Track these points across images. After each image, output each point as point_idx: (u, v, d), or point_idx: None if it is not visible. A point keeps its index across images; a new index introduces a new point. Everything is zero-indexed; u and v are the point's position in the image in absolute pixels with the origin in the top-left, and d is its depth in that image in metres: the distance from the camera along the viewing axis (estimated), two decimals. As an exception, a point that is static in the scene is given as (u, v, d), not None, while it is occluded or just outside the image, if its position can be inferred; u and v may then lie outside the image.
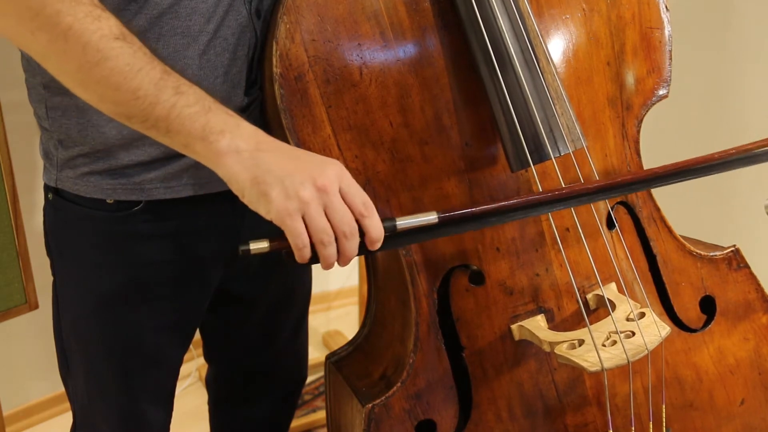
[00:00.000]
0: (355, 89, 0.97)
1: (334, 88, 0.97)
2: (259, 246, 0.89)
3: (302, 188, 0.85)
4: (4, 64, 1.49)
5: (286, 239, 0.87)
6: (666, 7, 1.13)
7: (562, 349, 0.99)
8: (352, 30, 0.97)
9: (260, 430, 1.42)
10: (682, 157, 1.01)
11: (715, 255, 1.17)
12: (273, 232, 0.89)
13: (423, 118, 1.00)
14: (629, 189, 1.03)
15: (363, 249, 0.90)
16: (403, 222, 0.92)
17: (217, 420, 1.46)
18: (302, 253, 0.87)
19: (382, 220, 0.90)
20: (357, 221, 0.88)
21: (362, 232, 0.89)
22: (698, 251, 1.17)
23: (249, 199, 0.87)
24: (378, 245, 0.90)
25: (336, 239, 0.87)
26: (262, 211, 0.87)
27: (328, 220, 0.86)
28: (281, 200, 0.85)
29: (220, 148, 0.86)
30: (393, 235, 0.91)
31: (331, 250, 0.87)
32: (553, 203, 0.97)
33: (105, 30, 0.84)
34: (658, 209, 1.15)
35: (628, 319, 1.02)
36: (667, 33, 1.13)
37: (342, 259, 0.89)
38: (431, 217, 0.92)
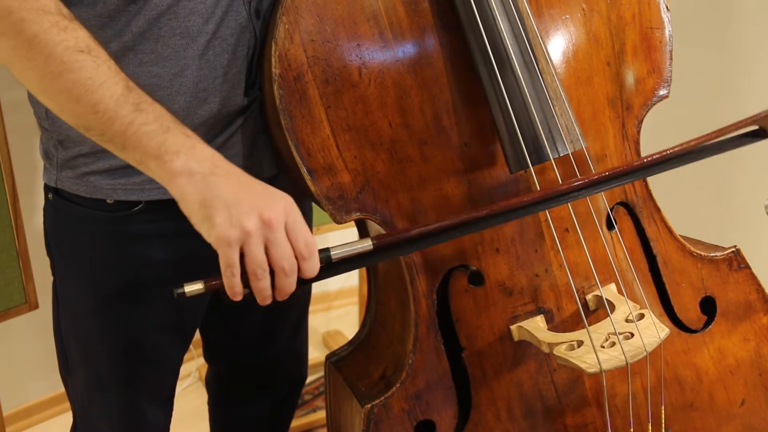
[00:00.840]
0: (354, 90, 0.97)
1: (333, 89, 0.97)
2: (193, 288, 0.87)
3: (247, 218, 0.84)
4: (4, 64, 1.49)
5: (219, 278, 0.86)
6: (666, 7, 1.13)
7: (560, 350, 0.99)
8: (351, 30, 0.97)
9: (260, 430, 1.43)
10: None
11: (716, 255, 1.17)
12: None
13: (422, 119, 1.00)
14: (577, 195, 0.98)
15: (297, 283, 0.88)
16: (338, 252, 0.90)
17: (217, 420, 1.46)
18: (232, 283, 0.86)
19: (318, 251, 0.89)
20: (296, 259, 0.87)
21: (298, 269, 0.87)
22: (698, 252, 1.16)
23: (195, 219, 0.87)
24: (311, 277, 0.89)
25: (273, 274, 0.86)
26: (204, 234, 0.86)
27: (269, 255, 0.85)
28: (224, 227, 0.84)
29: (174, 168, 0.86)
30: (329, 265, 0.90)
31: (264, 284, 0.86)
32: (493, 218, 0.95)
33: (70, 42, 0.84)
34: (658, 209, 1.15)
35: (627, 321, 1.02)
36: (667, 33, 1.13)
37: (278, 294, 0.88)
38: (366, 245, 0.91)
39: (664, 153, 0.98)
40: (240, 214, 0.84)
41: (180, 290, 0.87)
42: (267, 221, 0.85)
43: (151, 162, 0.87)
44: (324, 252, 0.90)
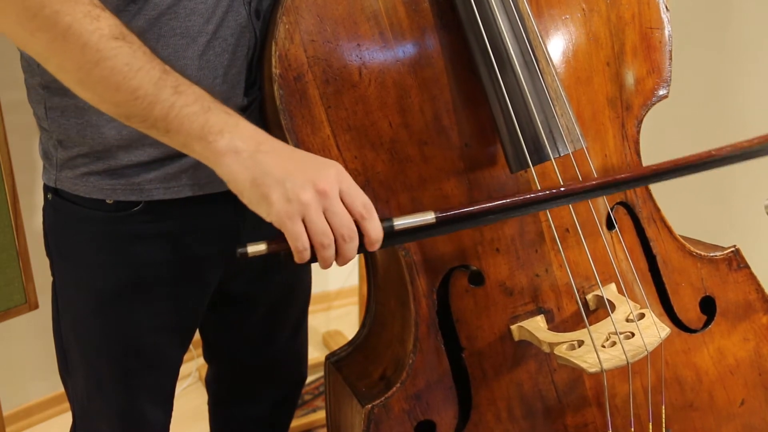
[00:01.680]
0: (354, 90, 0.97)
1: (334, 89, 0.97)
2: (256, 249, 0.88)
3: (302, 191, 0.85)
4: (4, 64, 1.49)
5: (283, 241, 0.87)
6: (666, 7, 1.13)
7: (561, 350, 0.99)
8: (351, 30, 0.97)
9: (260, 430, 1.42)
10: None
11: (716, 255, 1.17)
12: (272, 233, 0.89)
13: (422, 119, 1.00)
14: (629, 185, 1.03)
15: (362, 249, 0.90)
16: (401, 222, 0.92)
17: (217, 420, 1.46)
18: (302, 256, 0.87)
19: (381, 221, 0.90)
20: (356, 223, 0.88)
21: (361, 233, 0.89)
22: (698, 251, 1.16)
23: (248, 200, 0.87)
24: (377, 246, 0.90)
25: (335, 241, 0.87)
26: (263, 213, 0.87)
27: (329, 223, 0.86)
28: (282, 203, 0.85)
29: (219, 148, 0.86)
30: (391, 235, 0.92)
31: (330, 252, 0.87)
32: (550, 201, 0.97)
33: (104, 30, 0.84)
34: (658, 209, 1.15)
35: (627, 320, 1.02)
36: (667, 33, 1.13)
37: (340, 260, 0.89)
38: (429, 217, 0.92)
39: (674, 162, 0.99)
40: (295, 187, 0.85)
41: (243, 250, 0.88)
42: (322, 191, 0.86)
43: (196, 144, 0.87)
44: (387, 221, 0.91)
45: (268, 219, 0.87)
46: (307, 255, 0.87)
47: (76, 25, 0.83)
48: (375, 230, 0.89)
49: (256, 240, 0.89)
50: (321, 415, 2.09)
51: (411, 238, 0.96)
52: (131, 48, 0.86)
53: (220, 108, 0.88)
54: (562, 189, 0.97)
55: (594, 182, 0.98)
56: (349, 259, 0.89)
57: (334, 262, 0.90)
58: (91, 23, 0.84)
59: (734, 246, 1.18)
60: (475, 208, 0.94)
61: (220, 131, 0.86)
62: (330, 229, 0.86)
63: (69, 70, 0.86)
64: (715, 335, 1.16)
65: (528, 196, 0.96)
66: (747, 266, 1.19)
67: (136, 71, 0.85)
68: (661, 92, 1.14)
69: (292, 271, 1.30)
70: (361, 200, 0.88)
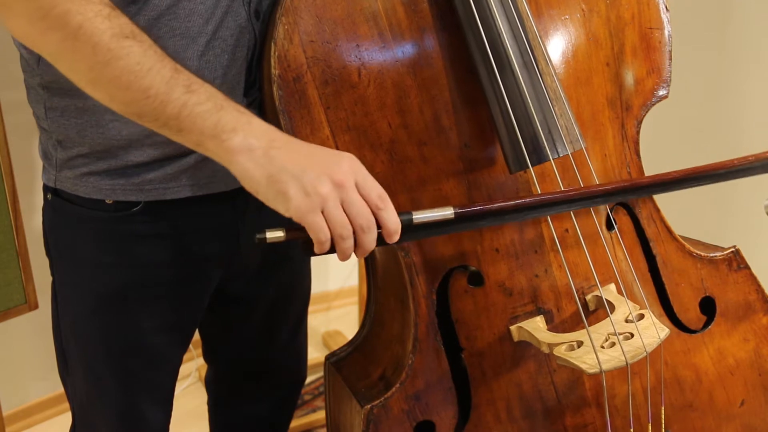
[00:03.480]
0: (353, 90, 0.97)
1: (333, 90, 0.96)
2: (275, 235, 0.89)
3: (320, 184, 0.85)
4: (4, 64, 1.49)
5: (301, 230, 0.88)
6: (666, 7, 1.13)
7: (560, 351, 0.99)
8: (350, 31, 0.97)
9: (260, 430, 1.43)
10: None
11: (715, 256, 1.17)
12: (277, 226, 0.89)
13: (422, 119, 1.00)
14: (651, 191, 1.04)
15: (381, 241, 0.91)
16: (420, 216, 0.92)
17: (217, 420, 1.46)
18: (323, 247, 0.88)
19: (399, 214, 0.91)
20: (373, 214, 0.88)
21: (380, 225, 0.90)
22: (698, 252, 1.16)
23: (265, 197, 0.87)
24: (396, 238, 0.91)
25: (354, 232, 0.88)
26: (281, 209, 0.87)
27: (346, 214, 0.87)
28: (300, 198, 0.85)
29: (233, 146, 0.86)
30: (410, 229, 0.92)
31: (349, 243, 0.88)
32: (571, 202, 0.98)
33: (115, 29, 0.84)
34: (657, 210, 1.15)
35: (627, 321, 1.02)
36: (666, 33, 1.13)
37: (359, 251, 0.90)
38: (447, 212, 0.93)
39: (679, 173, 1.00)
40: (312, 181, 0.85)
41: (261, 236, 0.89)
42: (339, 183, 0.86)
43: (209, 142, 0.87)
44: (405, 215, 0.91)
45: (287, 214, 0.87)
46: (328, 245, 0.88)
47: (87, 25, 0.83)
48: (391, 221, 0.89)
49: (270, 228, 0.89)
50: (321, 415, 2.09)
51: (429, 233, 0.96)
52: (142, 47, 0.85)
53: (232, 106, 0.88)
54: (585, 190, 0.98)
55: (638, 181, 1.00)
56: (369, 251, 0.90)
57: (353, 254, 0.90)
58: (102, 22, 0.84)
59: (734, 246, 1.18)
60: (496, 205, 0.95)
61: (233, 129, 0.86)
62: (348, 221, 0.87)
63: (80, 70, 0.86)
64: (714, 336, 1.16)
65: (550, 196, 0.97)
66: (747, 267, 1.18)
67: (147, 70, 0.85)
68: (661, 92, 1.14)
69: (292, 271, 1.30)
70: (377, 191, 0.89)
